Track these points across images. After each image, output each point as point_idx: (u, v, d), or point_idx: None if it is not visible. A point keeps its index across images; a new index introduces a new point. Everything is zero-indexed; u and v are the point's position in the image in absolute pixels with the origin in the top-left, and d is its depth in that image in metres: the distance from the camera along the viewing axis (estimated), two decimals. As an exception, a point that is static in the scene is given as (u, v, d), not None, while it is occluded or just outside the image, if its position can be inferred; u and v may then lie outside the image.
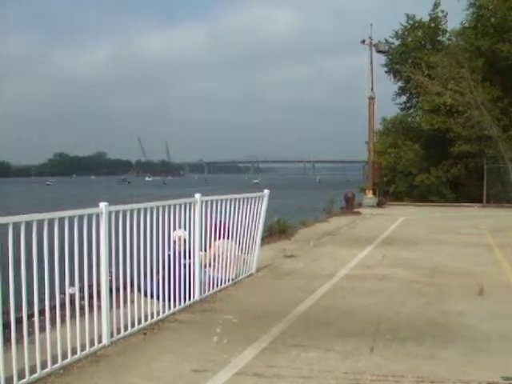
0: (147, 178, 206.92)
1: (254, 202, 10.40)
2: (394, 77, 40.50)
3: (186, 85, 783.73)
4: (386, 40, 39.04)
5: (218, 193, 9.92)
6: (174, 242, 7.97)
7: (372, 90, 33.78)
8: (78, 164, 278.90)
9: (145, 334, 7.02)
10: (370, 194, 32.65)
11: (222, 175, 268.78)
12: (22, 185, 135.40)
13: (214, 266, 9.37)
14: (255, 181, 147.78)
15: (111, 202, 6.60)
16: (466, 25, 37.46)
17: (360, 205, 31.27)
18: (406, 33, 39.76)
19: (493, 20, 34.57)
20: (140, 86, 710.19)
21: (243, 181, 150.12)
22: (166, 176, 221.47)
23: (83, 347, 6.10)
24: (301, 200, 57.06)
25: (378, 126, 38.37)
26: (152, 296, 7.62)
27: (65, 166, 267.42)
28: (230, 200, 9.56)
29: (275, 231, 17.39)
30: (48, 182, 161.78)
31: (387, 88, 41.99)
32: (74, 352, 5.93)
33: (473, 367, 5.83)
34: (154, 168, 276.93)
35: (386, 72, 40.69)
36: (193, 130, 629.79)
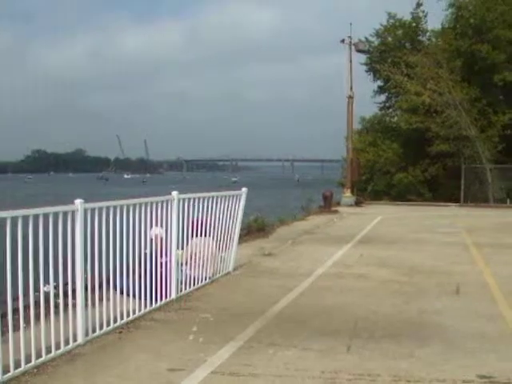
0: (126, 176, 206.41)
1: (232, 200, 10.36)
2: (374, 76, 40.61)
3: (165, 82, 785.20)
4: (367, 38, 39.16)
5: (198, 191, 9.87)
6: (151, 239, 7.92)
7: (351, 89, 33.84)
8: (56, 161, 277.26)
9: (120, 332, 6.97)
10: (348, 193, 32.72)
11: (201, 173, 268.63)
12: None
13: (191, 264, 9.32)
14: (234, 179, 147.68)
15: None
16: (446, 25, 37.67)
17: (338, 203, 31.33)
18: (386, 32, 39.87)
19: (472, 21, 34.72)
20: (119, 83, 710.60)
21: (222, 179, 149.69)
22: (145, 173, 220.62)
23: (58, 346, 6.03)
24: (279, 199, 57.12)
25: (356, 125, 38.41)
26: (128, 294, 7.57)
27: (42, 163, 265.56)
28: (208, 198, 9.51)
29: (253, 229, 17.37)
30: (26, 179, 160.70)
31: (366, 87, 42.12)
32: (48, 351, 5.87)
33: (449, 365, 5.85)
34: (132, 166, 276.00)
35: (365, 71, 40.80)
36: (172, 127, 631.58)
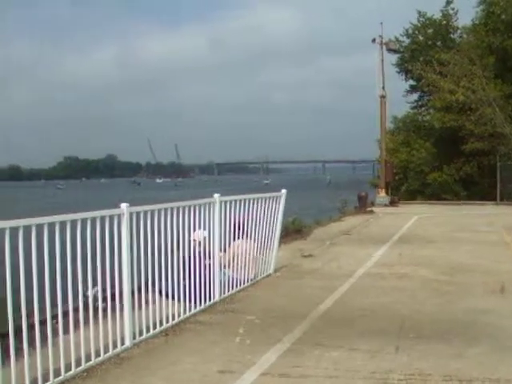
0: (158, 180, 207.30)
1: (272, 202, 10.35)
2: (406, 75, 40.44)
3: (193, 87, 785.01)
4: (397, 38, 39.02)
5: (233, 193, 9.84)
6: (195, 242, 7.93)
7: (383, 88, 33.65)
8: (88, 167, 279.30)
9: (167, 335, 6.98)
10: (382, 193, 32.53)
11: (232, 176, 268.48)
12: (35, 189, 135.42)
13: (233, 266, 9.32)
14: (266, 181, 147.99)
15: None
16: (477, 22, 37.39)
17: (373, 204, 31.16)
18: (417, 31, 39.68)
19: (503, 17, 34.47)
20: (147, 89, 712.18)
21: (253, 182, 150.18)
22: (177, 178, 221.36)
23: (106, 349, 6.06)
24: (313, 200, 57.01)
25: (388, 125, 38.23)
26: (173, 297, 7.58)
27: (74, 170, 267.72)
28: (249, 200, 9.52)
29: (291, 231, 17.33)
30: (59, 186, 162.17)
31: (396, 87, 41.86)
32: (97, 354, 5.90)
33: (501, 365, 5.77)
34: (164, 170, 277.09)
35: (397, 72, 40.66)
36: (202, 131, 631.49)
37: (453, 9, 38.99)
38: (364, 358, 6.07)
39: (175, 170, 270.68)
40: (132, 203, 6.55)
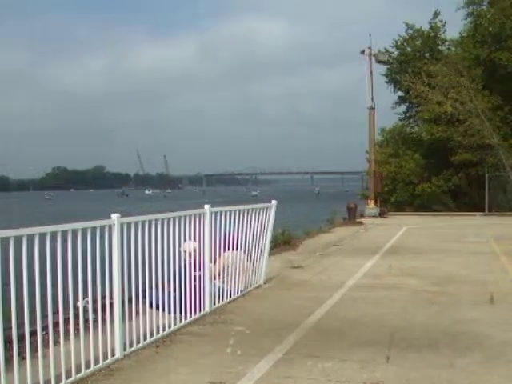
0: (147, 191, 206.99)
1: (262, 213, 10.35)
2: (394, 87, 40.62)
3: (182, 98, 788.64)
4: (386, 49, 39.19)
5: (222, 205, 9.83)
6: (185, 253, 7.92)
7: (372, 99, 33.80)
8: (76, 178, 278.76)
9: (157, 346, 6.95)
10: (371, 204, 32.65)
11: (221, 187, 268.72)
12: (23, 199, 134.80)
13: (223, 277, 9.30)
14: (254, 193, 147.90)
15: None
16: (465, 34, 37.67)
17: (362, 215, 31.24)
18: (405, 42, 39.90)
19: (491, 29, 34.69)
20: (136, 99, 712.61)
21: (242, 193, 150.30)
22: (165, 189, 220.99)
23: (97, 361, 6.03)
24: (301, 211, 57.05)
25: (376, 137, 38.35)
26: (163, 309, 7.56)
27: (63, 180, 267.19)
28: (239, 211, 9.51)
29: (280, 242, 17.35)
30: (47, 196, 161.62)
31: (385, 98, 42.15)
32: (87, 366, 5.87)
33: (491, 375, 5.78)
34: (152, 181, 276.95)
35: (386, 82, 40.84)
36: (190, 142, 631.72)
37: (441, 21, 39.29)
38: (355, 368, 6.06)
39: (163, 182, 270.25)
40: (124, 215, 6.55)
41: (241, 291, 9.79)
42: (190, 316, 8.04)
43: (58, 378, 5.41)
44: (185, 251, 7.92)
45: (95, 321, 6.15)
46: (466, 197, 35.11)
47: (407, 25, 39.71)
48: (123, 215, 6.53)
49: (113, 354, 6.34)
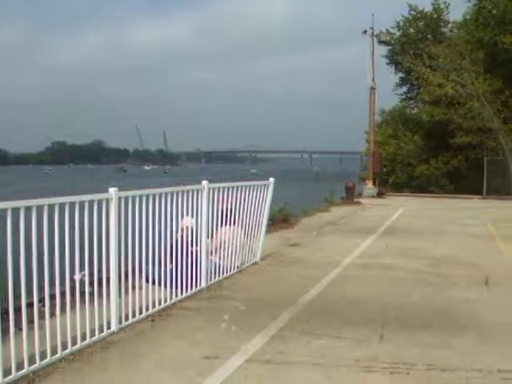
0: (146, 167, 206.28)
1: (260, 190, 10.36)
2: (395, 68, 40.49)
3: (182, 74, 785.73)
4: (388, 30, 38.98)
5: (221, 181, 9.82)
6: (182, 229, 7.93)
7: (373, 80, 33.69)
8: (76, 152, 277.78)
9: (153, 320, 6.99)
10: (370, 184, 32.66)
11: (220, 165, 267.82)
12: (22, 173, 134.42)
13: (220, 253, 9.33)
14: (253, 171, 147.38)
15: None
16: (468, 17, 37.46)
17: (360, 195, 31.25)
18: (408, 24, 39.68)
19: (494, 12, 34.42)
20: (137, 75, 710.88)
21: (241, 171, 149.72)
22: (164, 165, 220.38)
23: (93, 333, 6.07)
24: (299, 190, 56.97)
25: (376, 118, 38.27)
26: (159, 284, 7.59)
27: (62, 155, 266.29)
28: (237, 187, 9.53)
29: (277, 220, 17.36)
30: (46, 170, 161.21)
31: (385, 81, 42.06)
32: (83, 338, 5.90)
33: (484, 355, 5.82)
34: (151, 157, 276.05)
35: (387, 63, 40.70)
36: (190, 119, 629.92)
37: (444, 2, 39.02)
38: (349, 346, 6.11)
39: (162, 158, 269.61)
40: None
41: (237, 267, 9.83)
42: (186, 291, 8.07)
43: (53, 350, 5.45)
44: (182, 228, 7.93)
45: (91, 294, 6.18)
46: (465, 180, 34.99)
47: (410, 6, 39.52)
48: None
49: (108, 327, 6.37)
